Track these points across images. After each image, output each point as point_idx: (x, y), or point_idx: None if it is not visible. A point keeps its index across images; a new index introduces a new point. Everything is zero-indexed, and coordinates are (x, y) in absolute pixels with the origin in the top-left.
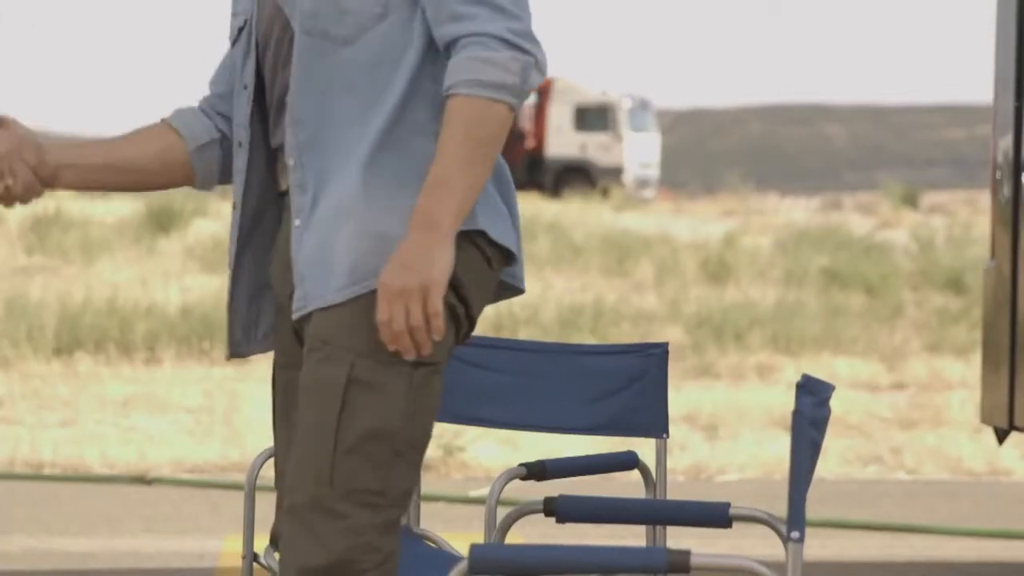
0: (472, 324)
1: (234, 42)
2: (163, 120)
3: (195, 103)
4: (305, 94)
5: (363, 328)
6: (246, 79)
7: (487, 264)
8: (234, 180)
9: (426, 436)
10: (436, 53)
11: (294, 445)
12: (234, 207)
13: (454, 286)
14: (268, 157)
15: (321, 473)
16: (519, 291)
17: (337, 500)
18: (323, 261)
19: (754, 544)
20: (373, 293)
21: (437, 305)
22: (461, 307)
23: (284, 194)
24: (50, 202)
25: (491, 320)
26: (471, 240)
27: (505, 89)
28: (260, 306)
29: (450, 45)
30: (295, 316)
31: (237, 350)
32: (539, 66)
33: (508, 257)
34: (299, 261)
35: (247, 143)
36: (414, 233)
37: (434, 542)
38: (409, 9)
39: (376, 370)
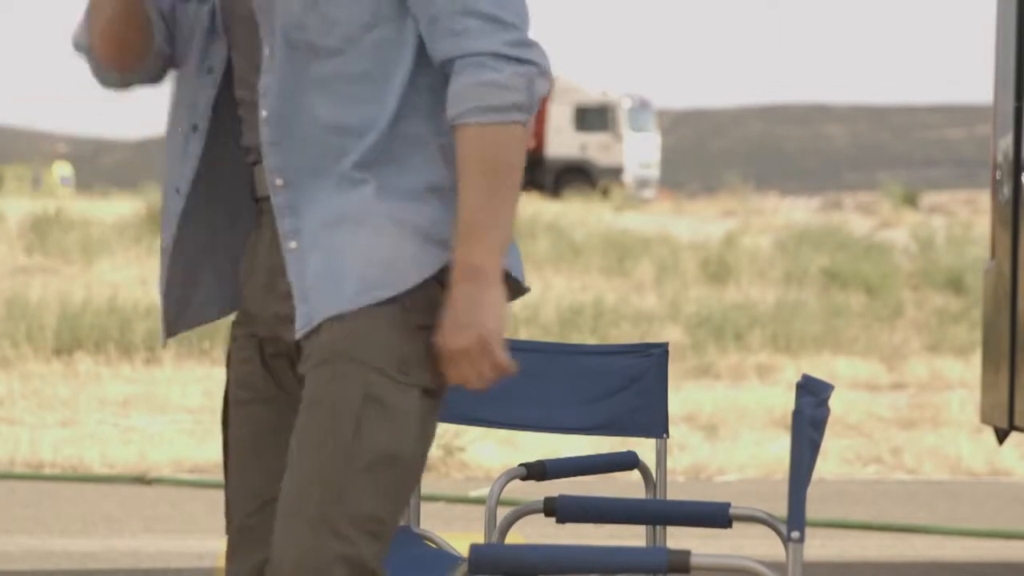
0: None
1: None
2: None
3: None
4: (290, 111)
5: (377, 342)
6: (213, 62)
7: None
8: (182, 164)
9: (422, 468)
10: (429, 63)
11: (291, 465)
12: (176, 191)
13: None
14: (236, 152)
15: (329, 489)
16: (524, 290)
17: (343, 520)
18: (331, 273)
19: (754, 544)
20: (385, 304)
21: (500, 356)
22: None
23: (259, 200)
24: (50, 202)
25: None
26: None
27: (515, 109)
28: (196, 278)
29: (445, 64)
30: (299, 335)
31: (172, 329)
32: (543, 72)
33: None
34: (304, 279)
35: (204, 129)
36: (460, 286)
37: (434, 542)
38: (399, 18)
39: (391, 390)
